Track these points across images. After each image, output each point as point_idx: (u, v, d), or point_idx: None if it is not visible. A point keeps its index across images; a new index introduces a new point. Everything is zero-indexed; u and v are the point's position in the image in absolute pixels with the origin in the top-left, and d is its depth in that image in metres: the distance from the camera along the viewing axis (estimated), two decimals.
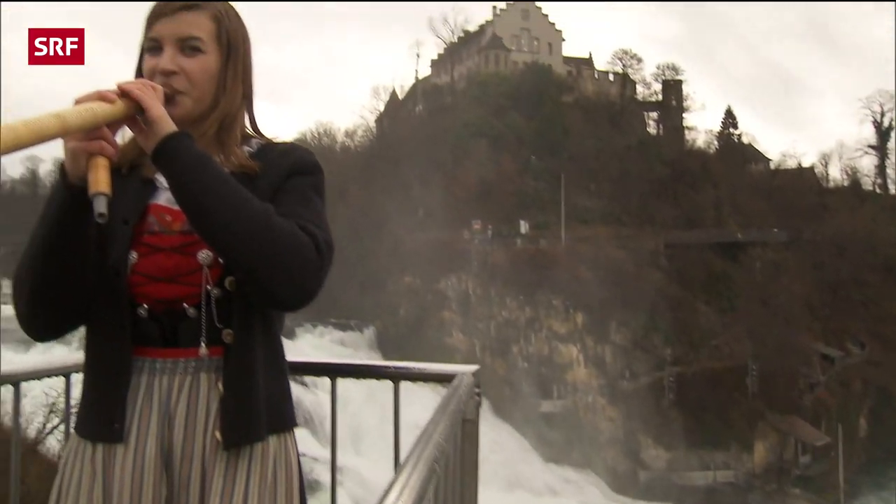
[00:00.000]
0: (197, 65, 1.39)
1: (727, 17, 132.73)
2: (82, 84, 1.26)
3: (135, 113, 1.25)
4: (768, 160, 67.77)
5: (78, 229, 1.29)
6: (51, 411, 10.78)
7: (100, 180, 1.18)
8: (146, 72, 1.39)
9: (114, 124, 1.24)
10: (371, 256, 52.25)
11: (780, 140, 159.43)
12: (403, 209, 54.11)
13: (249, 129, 1.52)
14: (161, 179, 1.39)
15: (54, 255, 1.30)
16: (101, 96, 1.21)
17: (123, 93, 1.24)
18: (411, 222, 54.33)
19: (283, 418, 1.44)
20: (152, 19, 1.40)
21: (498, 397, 43.67)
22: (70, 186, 1.26)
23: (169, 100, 1.34)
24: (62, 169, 1.26)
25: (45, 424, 11.61)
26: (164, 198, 1.40)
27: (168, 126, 1.27)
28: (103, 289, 1.36)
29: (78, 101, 1.19)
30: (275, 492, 1.39)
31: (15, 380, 1.83)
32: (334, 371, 1.98)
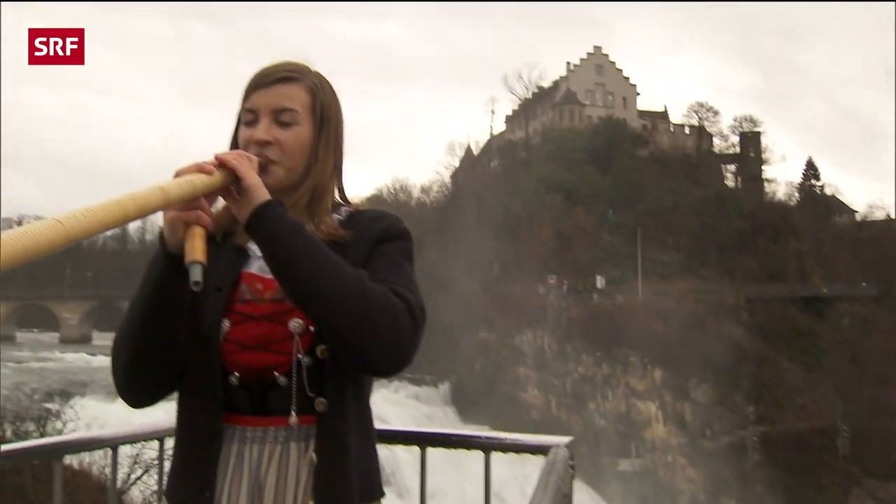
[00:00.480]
0: (291, 136, 1.43)
1: (804, 66, 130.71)
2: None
3: (231, 182, 1.30)
4: (853, 212, 65.80)
5: (175, 296, 1.32)
6: (134, 462, 11.19)
7: (196, 249, 1.23)
8: (242, 141, 1.44)
9: (210, 194, 1.28)
10: (446, 311, 52.64)
11: (866, 191, 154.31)
12: (478, 264, 54.51)
13: (338, 198, 1.55)
14: (253, 248, 1.42)
15: (152, 322, 1.34)
16: (199, 168, 1.25)
17: (220, 163, 1.28)
18: (486, 277, 54.66)
19: (373, 488, 1.45)
20: (249, 90, 1.45)
21: (574, 455, 43.02)
22: (168, 255, 1.30)
23: (263, 169, 1.38)
24: (161, 238, 1.32)
25: (129, 475, 12.13)
26: (257, 266, 1.42)
27: (262, 195, 1.30)
28: (196, 356, 1.39)
29: (178, 174, 1.23)
30: None
31: (113, 443, 1.89)
32: (424, 440, 1.93)
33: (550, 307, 51.03)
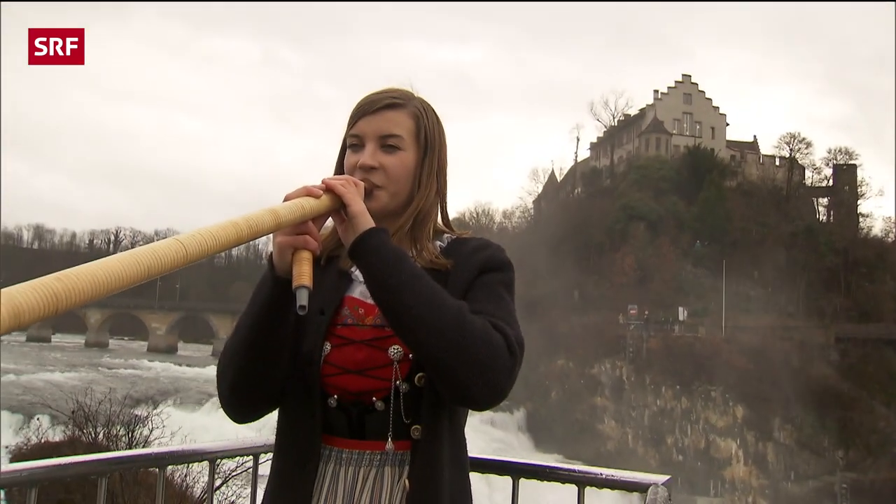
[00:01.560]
0: (396, 161, 1.45)
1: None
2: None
3: (338, 207, 1.32)
4: None
5: (281, 319, 1.35)
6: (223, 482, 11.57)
7: (303, 274, 1.24)
8: (347, 166, 1.46)
9: (318, 219, 1.31)
10: (525, 337, 52.23)
11: None
12: (559, 291, 54.15)
13: (441, 224, 1.56)
14: (356, 272, 1.43)
15: (258, 342, 1.37)
16: (308, 192, 1.27)
17: (328, 188, 1.30)
18: (566, 305, 54.23)
19: None
20: (356, 116, 1.47)
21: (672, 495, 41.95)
22: (276, 278, 1.32)
23: (367, 194, 1.39)
24: (270, 261, 1.34)
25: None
26: (359, 291, 1.44)
27: (367, 222, 1.32)
28: (297, 376, 1.41)
29: (287, 198, 1.25)
30: None
31: (212, 457, 1.97)
32: (517, 471, 1.90)
33: (630, 337, 50.30)
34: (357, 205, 1.32)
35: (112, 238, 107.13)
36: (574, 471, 1.87)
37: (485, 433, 40.18)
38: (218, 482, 11.49)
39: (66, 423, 16.86)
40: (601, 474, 1.84)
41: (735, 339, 48.68)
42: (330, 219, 1.37)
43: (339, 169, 1.50)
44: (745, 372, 46.03)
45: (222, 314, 75.39)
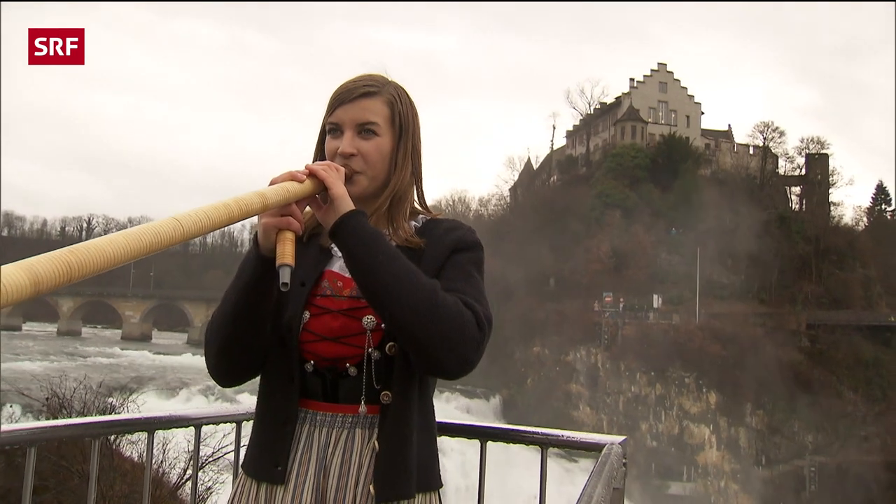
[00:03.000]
0: (373, 147, 1.53)
1: (866, 84, 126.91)
2: None
3: (320, 191, 1.41)
4: None
5: (265, 294, 1.45)
6: (190, 458, 11.59)
7: (286, 253, 1.33)
8: (328, 152, 1.55)
9: (301, 201, 1.39)
10: (500, 325, 52.58)
11: None
12: (535, 278, 54.35)
13: (417, 204, 1.65)
14: (336, 249, 1.53)
15: (243, 316, 1.46)
16: (292, 176, 1.35)
17: (311, 173, 1.38)
18: (542, 292, 54.47)
19: (431, 478, 1.54)
20: (334, 104, 1.55)
21: (627, 455, 42.37)
22: (261, 257, 1.42)
23: (348, 179, 1.48)
24: (255, 240, 1.43)
25: (185, 471, 12.56)
26: (338, 265, 1.54)
27: (347, 205, 1.41)
28: (277, 344, 1.51)
29: (273, 181, 1.34)
30: None
31: (197, 423, 2.08)
32: (484, 434, 2.01)
33: (605, 324, 50.65)
34: (338, 188, 1.41)
35: (84, 225, 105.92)
36: (537, 433, 1.99)
37: (461, 420, 40.30)
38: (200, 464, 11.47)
39: (39, 412, 16.73)
40: (562, 436, 1.97)
41: (709, 326, 49.21)
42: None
43: (320, 154, 1.58)
44: (718, 358, 46.61)
45: (197, 302, 74.91)
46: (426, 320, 1.36)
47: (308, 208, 1.46)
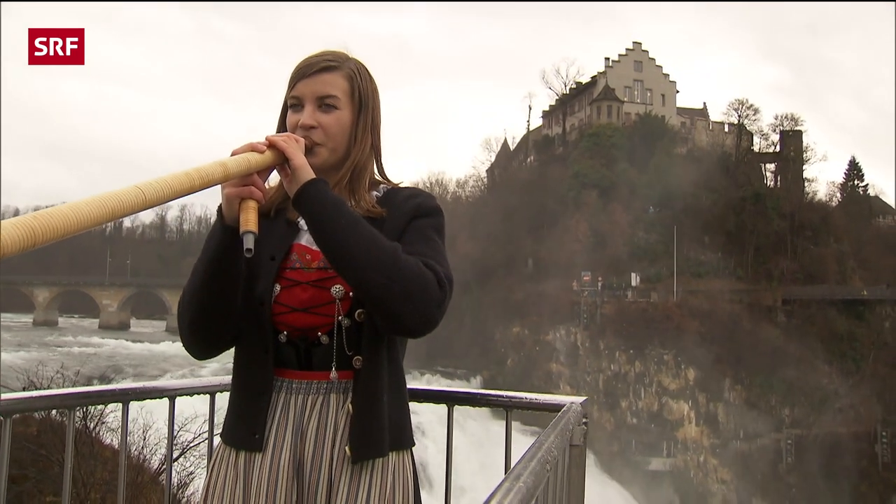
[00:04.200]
0: (333, 120, 1.58)
1: (834, 63, 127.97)
2: None
3: (281, 162, 1.45)
4: None
5: (232, 263, 1.49)
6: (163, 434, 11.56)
7: (249, 220, 1.38)
8: (289, 125, 1.60)
9: (262, 171, 1.44)
10: (480, 306, 52.76)
11: None
12: (513, 259, 54.54)
13: (378, 176, 1.70)
14: (303, 223, 1.57)
15: (212, 286, 1.51)
16: (252, 147, 1.40)
17: (271, 144, 1.43)
18: (521, 272, 54.69)
19: (403, 437, 1.61)
20: (295, 79, 1.59)
21: (605, 452, 42.90)
22: (225, 227, 1.47)
23: (309, 150, 1.52)
24: (219, 212, 1.48)
25: (165, 456, 12.57)
26: (305, 239, 1.58)
27: (308, 174, 1.45)
28: (250, 317, 1.56)
29: (234, 153, 1.38)
30: (393, 502, 1.56)
31: (172, 394, 2.11)
32: (452, 399, 2.07)
33: (584, 304, 50.95)
34: (298, 159, 1.45)
35: None
36: (502, 396, 2.07)
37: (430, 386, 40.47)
38: (176, 454, 11.48)
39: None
40: (525, 398, 2.05)
41: (686, 303, 49.68)
42: (276, 174, 1.51)
43: (282, 127, 1.62)
44: (696, 335, 47.09)
45: (175, 289, 74.19)
46: (389, 281, 1.41)
47: (272, 183, 1.54)
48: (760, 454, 44.54)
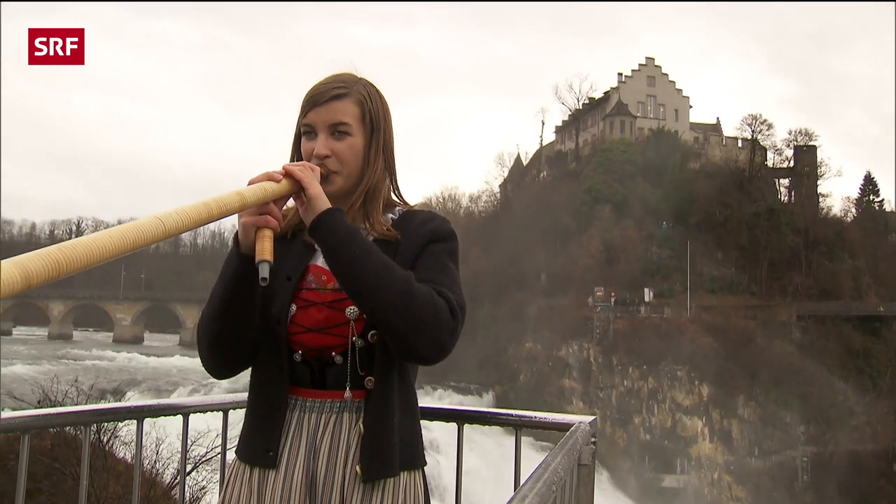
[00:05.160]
0: (346, 147, 1.60)
1: (845, 75, 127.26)
2: None
3: (297, 190, 1.47)
4: None
5: (248, 290, 1.51)
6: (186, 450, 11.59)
7: (265, 249, 1.40)
8: (304, 153, 1.61)
9: (278, 200, 1.46)
10: (492, 321, 52.68)
11: None
12: (526, 274, 54.46)
13: (394, 196, 1.71)
14: None
15: (229, 311, 1.54)
16: (269, 177, 1.42)
17: (287, 173, 1.45)
18: (533, 288, 54.56)
19: (414, 457, 1.62)
20: (306, 107, 1.61)
21: (618, 469, 42.64)
22: (241, 255, 1.49)
23: (324, 179, 1.55)
24: (236, 240, 1.51)
25: (178, 470, 12.60)
26: (321, 260, 1.59)
27: (323, 203, 1.48)
28: (267, 336, 1.59)
29: (251, 182, 1.41)
30: None
31: (185, 411, 2.16)
32: (462, 417, 2.09)
33: (597, 319, 50.75)
34: (314, 188, 1.47)
35: (73, 228, 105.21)
36: (511, 415, 2.08)
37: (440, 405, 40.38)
38: (188, 468, 11.50)
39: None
40: (535, 417, 2.06)
41: (700, 318, 49.40)
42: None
43: (297, 154, 1.64)
44: (710, 351, 46.77)
45: (189, 303, 74.63)
46: (402, 310, 1.43)
47: (286, 206, 1.55)
48: (776, 471, 44.08)
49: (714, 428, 46.24)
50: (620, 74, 69.10)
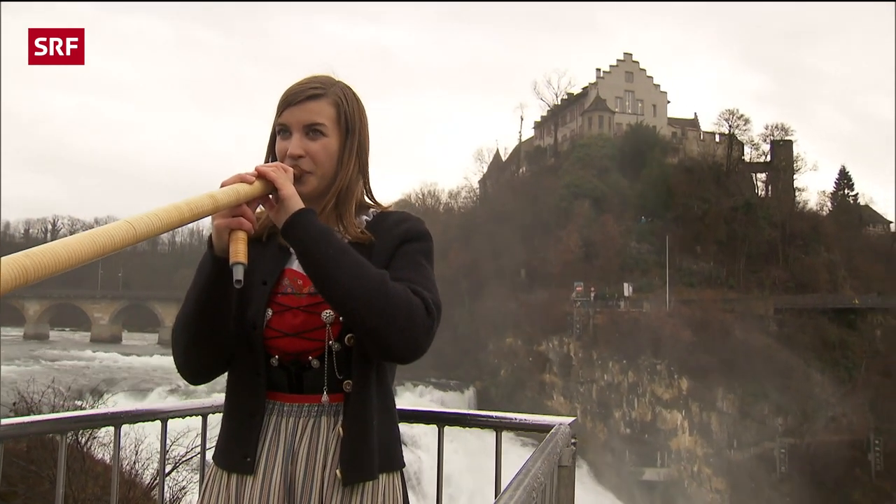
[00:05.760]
0: (320, 147, 1.59)
1: (819, 71, 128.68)
2: None
3: (270, 191, 1.46)
4: (888, 222, 64.96)
5: (222, 293, 1.51)
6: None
7: (238, 251, 1.39)
8: (278, 153, 1.60)
9: (252, 202, 1.44)
10: (473, 317, 52.74)
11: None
12: (506, 270, 54.52)
13: (368, 199, 1.71)
14: None
15: (204, 314, 1.53)
16: (241, 178, 1.41)
17: (260, 174, 1.44)
18: (513, 283, 54.65)
19: (393, 459, 1.62)
20: (282, 107, 1.60)
21: (599, 463, 42.84)
22: (215, 257, 1.48)
23: (298, 179, 1.54)
24: (209, 243, 1.50)
25: (157, 471, 12.53)
26: (297, 264, 1.58)
27: (296, 204, 1.47)
28: (242, 341, 1.58)
29: (223, 184, 1.39)
30: None
31: (164, 416, 2.14)
32: (441, 419, 2.09)
33: (577, 314, 50.92)
34: (287, 189, 1.46)
35: (49, 227, 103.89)
36: (492, 416, 2.09)
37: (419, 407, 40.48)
38: (168, 468, 11.41)
39: (7, 417, 16.43)
40: (515, 419, 2.07)
41: (679, 312, 49.68)
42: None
43: (271, 154, 1.63)
44: (689, 345, 47.08)
45: (167, 302, 73.95)
46: (377, 309, 1.43)
47: (260, 209, 1.52)
48: (754, 463, 44.50)
49: (693, 421, 46.57)
50: (598, 70, 69.35)
